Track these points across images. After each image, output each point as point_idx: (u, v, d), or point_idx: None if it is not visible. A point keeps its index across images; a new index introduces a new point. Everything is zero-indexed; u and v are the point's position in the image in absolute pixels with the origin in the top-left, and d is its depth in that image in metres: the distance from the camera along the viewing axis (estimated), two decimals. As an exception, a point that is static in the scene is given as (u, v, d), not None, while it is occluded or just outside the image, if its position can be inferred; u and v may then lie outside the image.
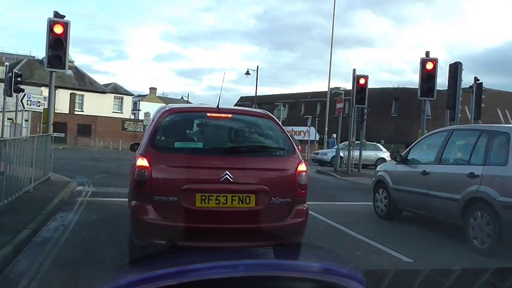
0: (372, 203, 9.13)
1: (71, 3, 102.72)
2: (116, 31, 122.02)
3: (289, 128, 29.87)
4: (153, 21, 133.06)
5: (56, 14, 10.66)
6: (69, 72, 34.86)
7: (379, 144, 25.84)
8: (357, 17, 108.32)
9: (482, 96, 13.99)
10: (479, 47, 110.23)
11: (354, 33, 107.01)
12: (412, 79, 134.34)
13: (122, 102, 47.78)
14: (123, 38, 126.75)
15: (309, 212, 5.04)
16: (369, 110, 19.25)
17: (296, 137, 30.40)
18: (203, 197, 4.45)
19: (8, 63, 24.42)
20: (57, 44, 10.55)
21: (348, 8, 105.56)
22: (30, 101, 24.07)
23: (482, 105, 13.96)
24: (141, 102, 58.54)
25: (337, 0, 31.05)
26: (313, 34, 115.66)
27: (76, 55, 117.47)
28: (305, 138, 31.38)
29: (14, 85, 18.89)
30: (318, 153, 26.25)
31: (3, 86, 20.14)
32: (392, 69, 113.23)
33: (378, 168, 9.67)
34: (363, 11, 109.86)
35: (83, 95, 43.87)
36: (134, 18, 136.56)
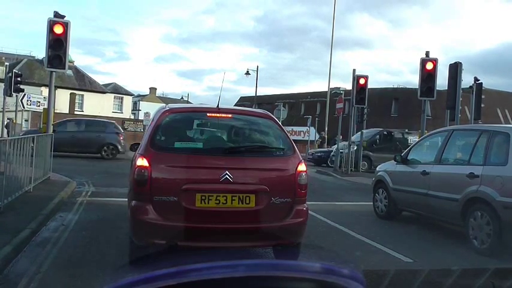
0: (371, 203, 9.13)
1: (74, 6, 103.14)
2: (118, 33, 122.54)
3: (289, 128, 29.86)
4: (155, 23, 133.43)
5: (56, 14, 10.65)
6: (69, 72, 34.84)
7: None
8: (355, 20, 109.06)
9: (482, 97, 13.99)
10: (475, 49, 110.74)
11: (352, 35, 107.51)
12: (410, 80, 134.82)
13: (121, 102, 47.76)
14: (124, 40, 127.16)
15: (309, 212, 5.04)
16: (369, 110, 19.25)
17: (296, 137, 30.45)
18: (203, 197, 4.45)
19: (8, 63, 24.45)
20: (57, 44, 10.54)
21: (345, 10, 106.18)
22: (30, 101, 24.09)
23: (482, 105, 13.95)
24: (141, 102, 58.51)
25: (335, 3, 30.98)
26: (312, 36, 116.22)
27: (78, 56, 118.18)
28: (305, 138, 31.36)
29: (14, 85, 18.88)
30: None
31: (3, 86, 20.15)
32: (391, 70, 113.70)
33: (377, 168, 9.67)
34: (360, 14, 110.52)
35: (82, 95, 43.82)
36: (136, 20, 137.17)
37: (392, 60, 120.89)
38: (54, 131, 18.23)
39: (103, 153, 19.26)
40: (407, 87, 37.97)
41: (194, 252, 4.13)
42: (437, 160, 7.56)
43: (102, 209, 8.11)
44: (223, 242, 4.37)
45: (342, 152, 19.18)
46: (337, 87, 37.64)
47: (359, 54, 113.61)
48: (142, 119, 41.66)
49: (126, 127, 41.91)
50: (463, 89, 12.78)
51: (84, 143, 18.83)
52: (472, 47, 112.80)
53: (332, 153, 21.17)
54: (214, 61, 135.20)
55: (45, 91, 26.16)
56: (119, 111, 46.64)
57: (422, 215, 7.98)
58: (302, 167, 4.82)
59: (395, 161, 8.68)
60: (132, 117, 48.57)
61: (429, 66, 12.51)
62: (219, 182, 4.47)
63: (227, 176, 4.47)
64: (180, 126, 5.21)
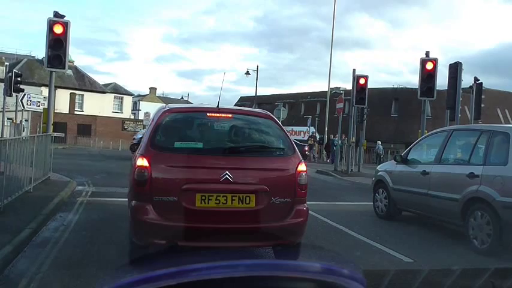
0: (372, 203, 9.13)
1: (74, 6, 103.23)
2: (119, 33, 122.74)
3: (289, 128, 29.86)
4: (155, 23, 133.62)
5: (56, 14, 10.65)
6: (69, 72, 34.88)
7: None
8: (354, 20, 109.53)
9: (482, 96, 14.01)
10: (474, 49, 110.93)
11: (352, 36, 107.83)
12: (409, 80, 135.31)
13: (121, 102, 47.76)
14: (125, 40, 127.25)
15: (309, 212, 5.04)
16: (369, 110, 19.24)
17: (296, 137, 30.45)
18: (203, 197, 4.45)
19: (8, 63, 24.46)
20: (57, 44, 10.55)
21: (345, 11, 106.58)
22: (30, 100, 24.06)
23: (482, 105, 13.98)
24: (141, 102, 58.51)
25: (335, 4, 30.92)
26: (312, 36, 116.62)
27: (79, 56, 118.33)
28: (305, 138, 31.37)
29: (14, 85, 18.89)
30: None
31: (3, 86, 20.15)
32: (390, 70, 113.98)
33: (378, 168, 9.67)
34: (359, 14, 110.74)
35: (82, 95, 43.84)
36: (136, 21, 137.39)
37: (392, 61, 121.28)
38: None
39: None
40: (407, 87, 37.92)
41: (194, 252, 4.13)
42: (437, 160, 7.56)
43: (102, 209, 8.11)
44: (223, 242, 4.37)
45: None
46: (337, 87, 37.64)
47: (359, 55, 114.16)
48: (142, 119, 41.72)
49: (126, 127, 42.14)
50: (463, 89, 12.79)
51: None
52: (471, 48, 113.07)
53: None
54: (214, 61, 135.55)
55: (45, 91, 26.14)
56: (119, 111, 46.66)
57: (422, 215, 7.97)
58: (302, 167, 4.82)
59: (395, 161, 8.68)
60: (132, 117, 48.61)
61: (429, 66, 12.51)
62: (219, 182, 4.47)
63: (227, 176, 4.47)
64: (180, 126, 5.20)
